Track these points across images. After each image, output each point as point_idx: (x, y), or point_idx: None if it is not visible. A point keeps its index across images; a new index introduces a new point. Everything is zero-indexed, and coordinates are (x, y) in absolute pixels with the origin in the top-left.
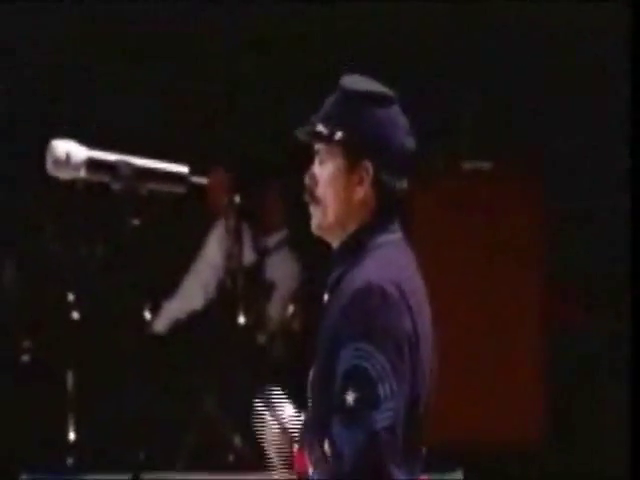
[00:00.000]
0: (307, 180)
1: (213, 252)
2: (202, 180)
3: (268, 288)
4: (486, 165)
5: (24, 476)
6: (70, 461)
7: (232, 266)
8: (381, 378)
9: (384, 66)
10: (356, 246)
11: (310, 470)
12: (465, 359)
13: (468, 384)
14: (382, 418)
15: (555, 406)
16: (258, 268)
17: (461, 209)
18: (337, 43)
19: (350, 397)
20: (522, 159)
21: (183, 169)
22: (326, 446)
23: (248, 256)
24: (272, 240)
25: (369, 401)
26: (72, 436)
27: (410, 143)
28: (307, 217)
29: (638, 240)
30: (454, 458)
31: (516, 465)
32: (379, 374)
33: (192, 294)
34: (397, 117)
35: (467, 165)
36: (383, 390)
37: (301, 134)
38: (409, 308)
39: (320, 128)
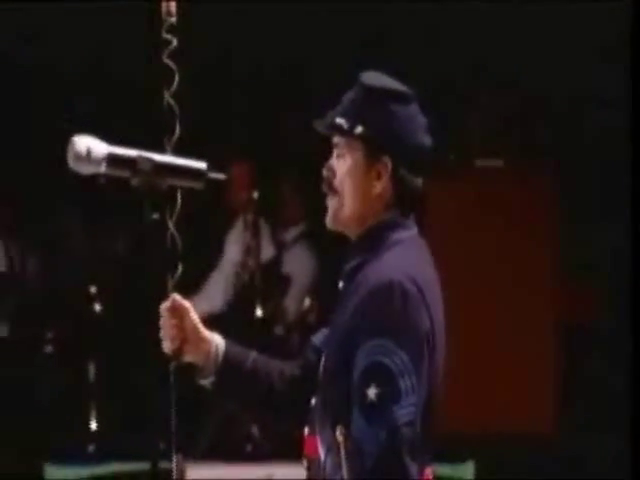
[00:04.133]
0: (325, 172)
1: (233, 247)
2: (220, 176)
3: (285, 282)
4: (498, 163)
5: (48, 464)
6: (92, 449)
7: (250, 261)
8: (402, 373)
9: (396, 64)
10: (374, 240)
11: (322, 455)
12: (477, 352)
13: (480, 376)
14: (403, 414)
15: (567, 398)
16: (275, 262)
17: (474, 206)
18: (351, 40)
19: (372, 392)
20: (536, 158)
21: (201, 165)
22: (338, 433)
23: (266, 250)
24: (289, 234)
25: (391, 396)
26: (94, 425)
27: (428, 141)
28: (324, 211)
29: None
30: (465, 450)
31: (527, 456)
32: (400, 369)
33: (216, 288)
34: (416, 115)
35: (479, 162)
36: (404, 385)
37: (320, 126)
38: (426, 305)
39: (340, 121)
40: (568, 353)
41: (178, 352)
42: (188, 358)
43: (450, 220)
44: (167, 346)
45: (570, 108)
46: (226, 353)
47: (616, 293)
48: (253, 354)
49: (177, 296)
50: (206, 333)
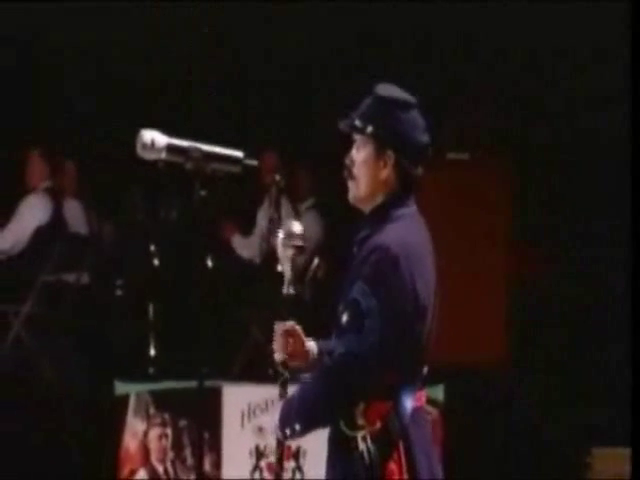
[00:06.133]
0: (347, 161)
1: (261, 219)
2: (253, 162)
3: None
4: (465, 156)
5: (118, 381)
6: (151, 370)
7: (273, 228)
8: (368, 313)
9: (380, 65)
10: (381, 215)
11: None
12: (450, 301)
13: (451, 319)
14: (359, 344)
15: (514, 335)
16: None
17: (446, 190)
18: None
19: (344, 318)
20: (495, 152)
21: (239, 153)
22: None
23: (286, 221)
24: (303, 206)
25: (355, 327)
26: (152, 352)
27: (425, 139)
28: (329, 188)
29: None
30: (437, 375)
31: (485, 381)
32: (367, 310)
33: (252, 245)
34: (416, 119)
35: (450, 155)
36: (368, 323)
37: (342, 125)
38: (409, 264)
39: (356, 122)
40: (514, 301)
41: (285, 363)
42: (294, 365)
43: (429, 201)
44: (278, 357)
45: (570, 108)
46: (318, 353)
47: (550, 254)
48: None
49: (291, 323)
50: (307, 344)
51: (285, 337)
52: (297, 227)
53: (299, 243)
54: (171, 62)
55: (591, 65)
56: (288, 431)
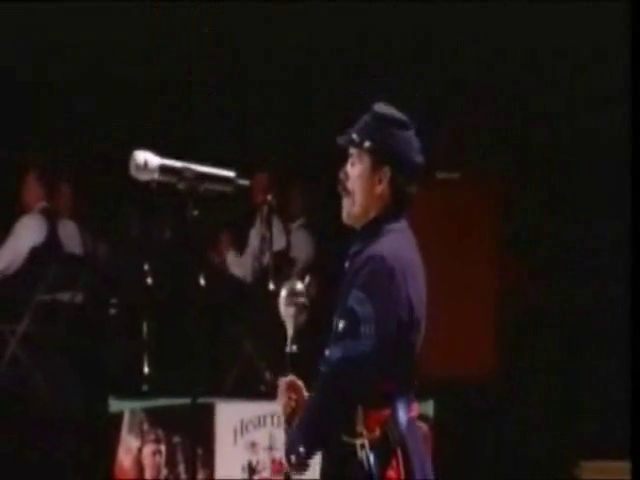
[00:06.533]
0: (341, 175)
1: (254, 238)
2: (245, 182)
3: (291, 263)
4: (455, 175)
5: (112, 398)
6: (145, 388)
7: (265, 247)
8: (364, 320)
9: (380, 65)
10: (373, 229)
11: None
12: (440, 315)
13: (440, 334)
14: (357, 348)
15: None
16: (285, 249)
17: (437, 208)
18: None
19: (340, 325)
20: (485, 171)
21: (231, 173)
22: None
23: (278, 240)
24: (294, 225)
25: (351, 333)
26: (146, 369)
27: (420, 159)
28: (319, 209)
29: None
30: (426, 390)
31: (475, 395)
32: (363, 316)
33: (245, 264)
34: (412, 139)
35: (440, 175)
36: (363, 329)
37: (340, 140)
38: (403, 274)
39: (354, 136)
40: (503, 315)
41: (290, 417)
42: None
43: (419, 218)
44: (282, 412)
45: (570, 108)
46: None
47: (540, 266)
48: None
49: (292, 378)
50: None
51: (288, 393)
52: (299, 285)
53: (302, 301)
54: (171, 62)
55: (591, 65)
56: (293, 458)
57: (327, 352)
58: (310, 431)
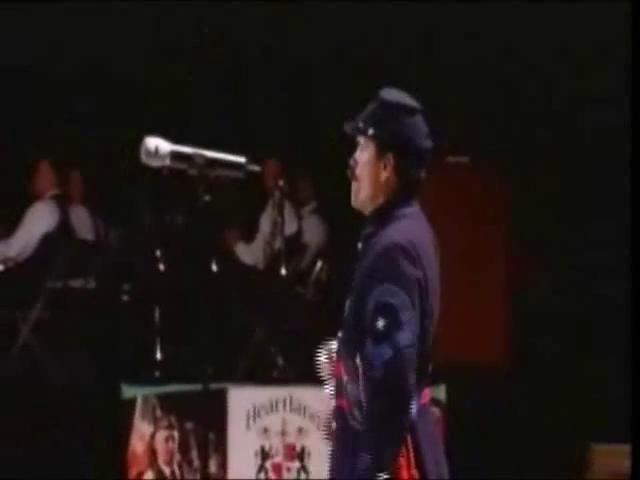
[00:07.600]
0: (351, 162)
1: (265, 223)
2: (256, 168)
3: (303, 248)
4: (465, 159)
5: (124, 384)
6: (158, 374)
7: (277, 232)
8: (402, 308)
9: (380, 65)
10: (383, 214)
11: (344, 378)
12: (454, 303)
13: (453, 320)
14: (404, 337)
15: (515, 336)
16: (296, 234)
17: (445, 194)
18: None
19: (380, 324)
20: (495, 156)
21: (241, 159)
22: (357, 360)
23: (290, 225)
24: (305, 210)
25: (394, 325)
26: (159, 355)
27: (427, 144)
28: (330, 194)
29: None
30: (439, 375)
31: (487, 381)
32: (401, 305)
33: (256, 250)
34: (418, 123)
35: (450, 159)
36: (404, 317)
37: (347, 127)
38: (420, 261)
39: (359, 124)
40: (516, 302)
41: (334, 412)
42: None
43: (429, 204)
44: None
45: (570, 108)
46: None
47: (551, 256)
48: None
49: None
50: None
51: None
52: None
53: None
54: (171, 62)
55: (591, 65)
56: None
57: (368, 353)
58: (376, 434)
